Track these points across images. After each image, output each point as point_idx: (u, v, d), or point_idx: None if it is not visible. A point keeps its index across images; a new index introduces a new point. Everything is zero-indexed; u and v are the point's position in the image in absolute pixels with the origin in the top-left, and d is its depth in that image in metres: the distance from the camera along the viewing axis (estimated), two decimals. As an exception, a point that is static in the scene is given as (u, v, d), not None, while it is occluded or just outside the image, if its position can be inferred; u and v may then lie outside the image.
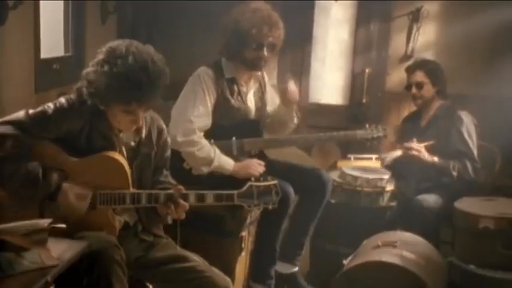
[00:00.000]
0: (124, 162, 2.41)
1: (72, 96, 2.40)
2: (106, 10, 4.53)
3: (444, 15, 4.70)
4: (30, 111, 2.33)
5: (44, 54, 3.81)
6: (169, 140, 2.68)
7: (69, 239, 2.16)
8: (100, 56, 2.33)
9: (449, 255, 3.39)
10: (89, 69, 2.35)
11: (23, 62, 3.61)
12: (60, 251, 2.01)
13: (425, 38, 4.74)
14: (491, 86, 4.47)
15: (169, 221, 2.53)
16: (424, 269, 2.90)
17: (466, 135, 3.66)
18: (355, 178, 3.77)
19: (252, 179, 2.56)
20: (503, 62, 4.39)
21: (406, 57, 4.78)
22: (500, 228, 3.18)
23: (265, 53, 3.27)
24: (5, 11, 3.22)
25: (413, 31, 4.72)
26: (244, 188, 2.51)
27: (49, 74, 3.89)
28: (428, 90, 3.75)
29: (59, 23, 4.23)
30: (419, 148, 3.62)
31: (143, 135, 2.52)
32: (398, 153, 3.66)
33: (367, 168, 3.96)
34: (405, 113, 4.32)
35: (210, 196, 2.47)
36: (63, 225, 2.08)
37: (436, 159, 3.62)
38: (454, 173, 3.60)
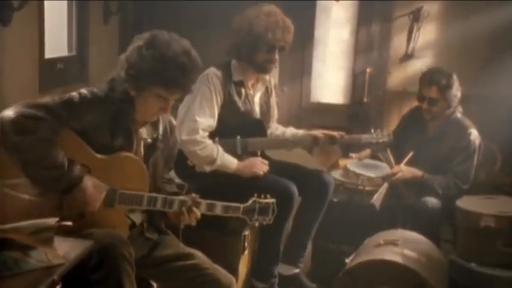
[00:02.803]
0: (144, 165, 2.44)
1: (95, 88, 2.39)
2: (109, 10, 4.56)
3: (444, 15, 4.71)
4: (56, 98, 2.31)
5: (47, 54, 3.84)
6: (179, 138, 2.73)
7: (78, 235, 2.17)
8: (140, 42, 2.35)
9: (450, 254, 3.40)
10: (130, 52, 2.35)
11: (27, 62, 3.63)
12: (67, 250, 2.00)
13: (426, 38, 4.76)
14: (491, 86, 4.49)
15: (181, 226, 2.59)
16: (426, 267, 2.92)
17: (470, 159, 3.63)
18: (357, 175, 3.78)
19: (255, 195, 2.62)
20: (502, 62, 4.41)
21: (407, 56, 4.81)
22: (500, 226, 3.19)
23: (276, 56, 3.29)
24: (10, 12, 3.25)
25: (414, 31, 4.74)
26: (249, 202, 2.59)
27: (53, 74, 3.93)
28: (441, 106, 3.65)
29: (62, 23, 4.26)
30: (399, 169, 3.60)
31: (160, 131, 2.55)
32: (384, 187, 3.59)
33: (370, 164, 3.96)
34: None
35: (219, 207, 2.54)
36: (69, 223, 2.09)
37: (420, 173, 3.61)
38: (439, 191, 3.57)
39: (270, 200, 2.64)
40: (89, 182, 2.30)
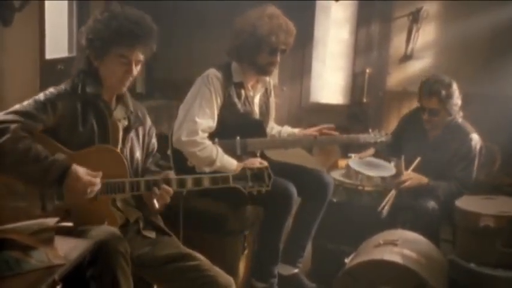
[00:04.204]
0: (119, 152, 2.45)
1: (63, 85, 2.46)
2: (109, 10, 4.57)
3: (444, 15, 4.73)
4: (24, 103, 2.36)
5: (48, 55, 3.85)
6: (153, 127, 2.73)
7: (72, 232, 2.15)
8: (96, 12, 2.51)
9: (450, 254, 3.40)
10: (88, 23, 2.48)
11: (28, 63, 3.64)
12: (67, 250, 2.01)
13: (425, 39, 4.78)
14: (491, 86, 4.50)
15: (156, 205, 2.49)
16: (425, 267, 2.92)
17: (471, 164, 3.60)
18: (357, 174, 3.78)
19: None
20: (502, 62, 4.43)
21: (406, 57, 4.82)
22: (500, 226, 3.18)
23: (278, 59, 3.30)
24: (11, 12, 3.25)
25: (413, 31, 4.76)
26: (238, 170, 2.57)
27: (53, 75, 3.92)
28: (442, 115, 3.60)
29: (63, 24, 4.27)
30: (409, 177, 3.57)
31: (131, 108, 2.57)
32: (392, 194, 3.56)
33: (372, 163, 3.95)
34: (405, 112, 4.32)
35: (206, 179, 2.51)
36: (70, 224, 2.10)
37: (426, 180, 3.58)
38: (443, 198, 3.54)
39: (263, 165, 2.60)
40: (79, 168, 2.30)
